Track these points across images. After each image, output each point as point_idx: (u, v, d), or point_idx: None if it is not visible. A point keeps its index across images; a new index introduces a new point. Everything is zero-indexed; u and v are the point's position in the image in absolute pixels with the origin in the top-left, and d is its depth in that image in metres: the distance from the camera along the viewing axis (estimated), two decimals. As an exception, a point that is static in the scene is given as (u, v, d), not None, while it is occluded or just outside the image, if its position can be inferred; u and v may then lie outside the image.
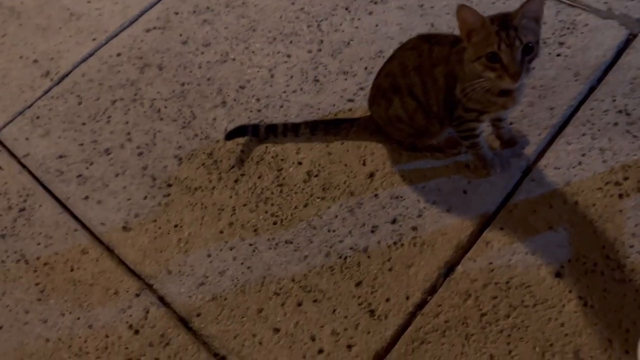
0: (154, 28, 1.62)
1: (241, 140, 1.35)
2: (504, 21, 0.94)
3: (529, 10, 0.94)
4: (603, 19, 1.37)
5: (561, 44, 1.36)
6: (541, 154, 1.21)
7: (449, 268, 1.12)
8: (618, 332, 1.00)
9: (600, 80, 1.29)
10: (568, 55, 1.33)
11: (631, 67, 1.28)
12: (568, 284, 1.06)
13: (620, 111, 1.23)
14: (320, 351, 1.08)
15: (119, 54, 1.58)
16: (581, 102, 1.26)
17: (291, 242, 1.20)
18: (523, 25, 0.93)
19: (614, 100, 1.24)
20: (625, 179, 1.14)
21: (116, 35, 1.62)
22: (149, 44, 1.59)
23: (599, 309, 1.03)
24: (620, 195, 1.13)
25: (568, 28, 1.38)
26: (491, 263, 1.11)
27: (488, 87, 1.00)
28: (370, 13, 1.52)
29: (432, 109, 1.12)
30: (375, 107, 1.21)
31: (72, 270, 1.24)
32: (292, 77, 1.45)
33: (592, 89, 1.28)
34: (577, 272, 1.07)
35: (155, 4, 1.67)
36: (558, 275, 1.08)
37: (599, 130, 1.21)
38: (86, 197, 1.33)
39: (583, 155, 1.19)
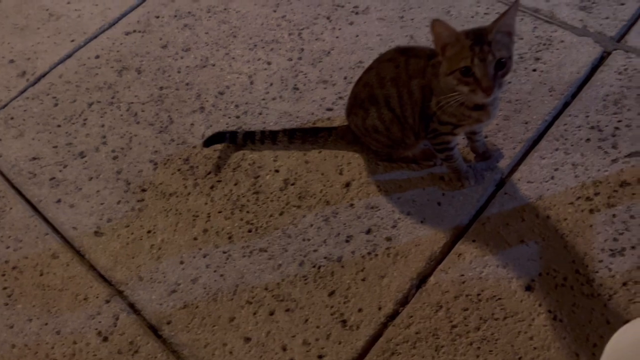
0: (134, 31, 1.61)
1: (218, 146, 1.34)
2: (478, 36, 0.95)
3: (503, 24, 0.95)
4: (578, 36, 1.40)
5: (537, 59, 1.38)
6: (515, 167, 1.23)
7: (422, 279, 1.13)
8: (585, 346, 1.01)
9: (574, 96, 1.31)
10: (544, 71, 1.35)
11: (604, 84, 1.31)
12: (538, 298, 1.07)
13: (592, 127, 1.25)
14: (291, 361, 1.07)
15: (97, 56, 1.56)
16: (555, 117, 1.28)
17: (265, 251, 1.19)
18: (497, 40, 0.94)
19: (587, 117, 1.26)
20: (596, 194, 1.16)
21: (95, 37, 1.61)
22: (128, 47, 1.58)
23: (568, 323, 1.04)
24: (591, 211, 1.14)
25: (544, 44, 1.40)
26: (463, 275, 1.12)
27: (462, 101, 1.01)
28: (351, 23, 1.53)
29: (408, 120, 1.12)
30: (352, 117, 1.21)
31: (41, 274, 1.22)
32: (271, 84, 1.45)
33: (566, 105, 1.30)
34: (547, 286, 1.08)
35: (136, 7, 1.66)
36: (528, 288, 1.09)
37: (571, 145, 1.23)
38: (58, 201, 1.31)
39: (556, 169, 1.21)
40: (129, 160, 1.37)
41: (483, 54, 0.93)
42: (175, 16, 1.63)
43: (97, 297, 1.18)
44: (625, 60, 1.33)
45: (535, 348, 1.03)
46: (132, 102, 1.47)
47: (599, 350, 1.00)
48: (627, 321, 1.02)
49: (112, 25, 1.64)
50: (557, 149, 1.24)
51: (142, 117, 1.43)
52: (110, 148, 1.39)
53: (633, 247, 1.09)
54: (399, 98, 1.10)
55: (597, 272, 1.08)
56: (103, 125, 1.43)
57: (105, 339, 1.13)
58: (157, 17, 1.63)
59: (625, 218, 1.12)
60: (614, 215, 1.13)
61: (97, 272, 1.22)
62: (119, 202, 1.30)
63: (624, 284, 1.06)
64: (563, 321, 1.04)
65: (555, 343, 1.02)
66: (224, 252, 1.20)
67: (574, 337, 1.02)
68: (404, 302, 1.11)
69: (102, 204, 1.31)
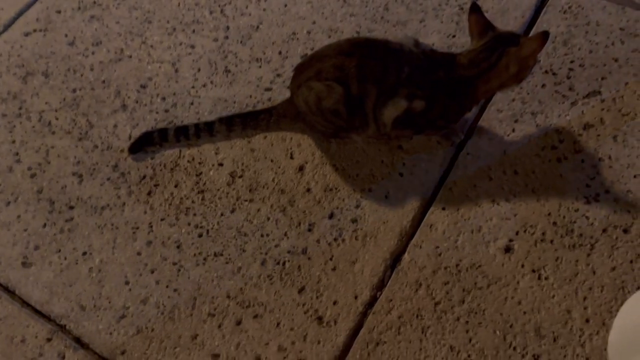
0: (34, 31, 1.42)
1: (150, 147, 1.20)
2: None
3: None
4: (516, -21, 1.33)
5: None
6: (473, 125, 1.15)
7: (395, 258, 1.04)
8: (576, 301, 0.96)
9: (522, 41, 1.24)
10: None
11: (551, 25, 1.25)
12: (519, 258, 1.01)
13: (546, 72, 1.19)
14: (268, 371, 0.96)
15: (-6, 64, 1.37)
16: (506, 67, 1.21)
17: (221, 254, 1.07)
18: None
19: (539, 61, 1.20)
20: (561, 141, 1.11)
21: (-12, 42, 1.40)
22: (29, 49, 1.38)
23: (554, 280, 0.98)
24: (559, 159, 1.09)
25: (483, -9, 1.33)
26: (438, 247, 1.04)
27: None
28: (277, -7, 1.40)
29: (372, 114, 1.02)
30: (303, 91, 1.06)
31: (-37, 323, 1.05)
32: (199, 69, 1.31)
33: (515, 52, 1.23)
34: (527, 244, 1.02)
35: (33, 4, 1.46)
36: (508, 250, 1.02)
37: (528, 93, 1.17)
38: (-28, 235, 1.14)
39: (515, 121, 1.14)
40: (49, 176, 1.20)
41: None
42: (79, 8, 1.44)
43: (36, 337, 1.03)
44: (568, -2, 1.28)
45: (525, 312, 0.96)
46: (43, 111, 1.29)
47: (590, 302, 0.95)
48: (613, 268, 0.97)
49: (7, 27, 1.43)
50: (513, 100, 1.17)
51: (57, 126, 1.26)
52: (26, 165, 1.22)
53: (607, 191, 1.04)
54: (376, 98, 0.99)
55: (575, 222, 1.02)
56: (14, 141, 1.25)
57: (52, 384, 0.98)
58: (59, 12, 1.44)
59: (595, 162, 1.07)
60: (582, 161, 1.08)
61: (31, 307, 1.06)
62: (44, 226, 1.14)
63: (604, 230, 1.01)
64: (549, 279, 0.99)
65: (545, 303, 0.96)
66: (174, 264, 1.07)
67: (563, 294, 0.97)
68: (381, 286, 1.02)
69: (25, 230, 1.14)
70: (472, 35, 1.01)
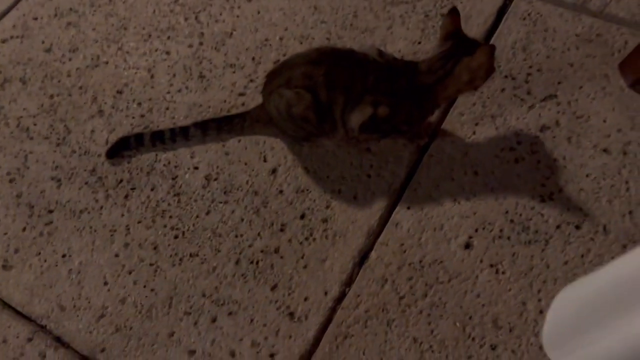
0: (11, 37, 1.44)
1: (126, 152, 1.24)
2: None
3: None
4: (479, -13, 1.39)
5: (443, 15, 1.36)
6: (437, 128, 1.21)
7: (363, 256, 1.10)
8: (530, 293, 1.03)
9: (483, 47, 1.30)
10: (451, 26, 1.33)
11: (511, 31, 1.31)
12: (478, 254, 1.07)
13: (506, 76, 1.25)
14: (242, 366, 1.01)
15: (-29, 70, 1.39)
16: (469, 72, 1.27)
17: (197, 255, 1.12)
18: None
19: (499, 66, 1.26)
20: (519, 143, 1.17)
21: (-35, 49, 1.43)
22: (7, 55, 1.41)
23: (510, 275, 1.05)
24: (516, 160, 1.15)
25: (447, -2, 1.39)
26: (403, 244, 1.10)
27: None
28: (250, 0, 1.44)
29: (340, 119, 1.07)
30: (275, 98, 1.11)
31: (-55, 325, 1.08)
32: (174, 75, 1.35)
33: (477, 58, 1.29)
34: (485, 240, 1.08)
35: (8, 11, 1.48)
36: (467, 246, 1.08)
37: (488, 97, 1.23)
38: (-48, 239, 1.17)
39: (476, 124, 1.20)
40: (27, 181, 1.23)
41: None
42: (56, 15, 1.47)
43: (17, 337, 1.07)
44: (528, 5, 1.34)
45: (483, 305, 1.03)
46: (20, 117, 1.32)
47: (544, 295, 1.02)
48: (565, 262, 1.04)
49: (-17, 33, 1.46)
50: (474, 104, 1.23)
51: (35, 131, 1.29)
52: (5, 171, 1.25)
53: (561, 190, 1.11)
54: (344, 105, 1.05)
55: (530, 219, 1.09)
56: (-9, 147, 1.28)
57: (34, 383, 1.02)
58: (35, 18, 1.47)
59: (550, 162, 1.14)
60: (538, 162, 1.14)
61: (12, 309, 1.10)
62: (24, 229, 1.17)
63: (558, 226, 1.08)
64: (506, 273, 1.05)
65: (502, 296, 1.03)
66: (151, 265, 1.11)
67: (519, 287, 1.03)
68: (349, 282, 1.07)
69: (5, 233, 1.17)
70: (439, 37, 1.06)
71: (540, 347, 0.97)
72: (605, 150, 1.14)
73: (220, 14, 1.43)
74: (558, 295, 0.81)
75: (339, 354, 1.01)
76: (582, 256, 1.05)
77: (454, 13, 1.04)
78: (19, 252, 1.15)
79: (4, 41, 1.44)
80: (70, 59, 1.39)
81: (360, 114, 1.04)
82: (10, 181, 1.23)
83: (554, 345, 0.79)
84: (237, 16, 1.42)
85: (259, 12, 1.42)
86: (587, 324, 0.71)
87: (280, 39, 1.37)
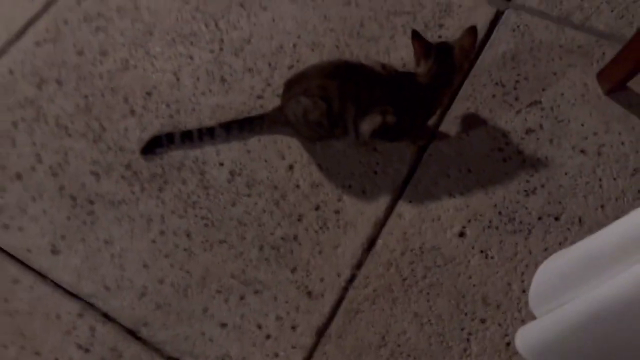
0: (45, 40, 1.57)
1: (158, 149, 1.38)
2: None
3: None
4: None
5: (441, 25, 1.51)
6: (435, 130, 1.37)
7: (371, 243, 1.26)
8: (515, 275, 1.20)
9: (477, 56, 1.46)
10: (448, 36, 1.48)
11: (502, 42, 1.46)
12: (470, 242, 1.24)
13: (496, 84, 1.41)
14: (268, 336, 1.18)
15: (11, 72, 1.52)
16: (464, 79, 1.43)
17: (225, 241, 1.27)
18: None
19: (491, 75, 1.42)
20: (507, 144, 1.33)
21: (4, 52, 1.55)
22: (42, 58, 1.54)
23: (498, 259, 1.22)
24: (504, 159, 1.31)
25: (445, 10, 1.53)
26: (405, 233, 1.26)
27: None
28: (265, 8, 1.58)
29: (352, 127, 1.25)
30: (293, 104, 1.25)
31: (6, 301, 1.23)
32: (198, 78, 1.49)
33: (471, 66, 1.44)
34: (477, 229, 1.25)
35: (41, 15, 1.61)
36: (461, 235, 1.25)
37: (480, 103, 1.39)
38: (6, 226, 1.31)
39: (470, 127, 1.36)
40: (69, 174, 1.37)
41: None
42: (85, 20, 1.60)
43: (69, 314, 1.22)
44: (517, 18, 1.49)
45: (474, 285, 1.20)
46: (59, 115, 1.45)
47: (526, 277, 1.19)
48: (545, 249, 1.21)
49: (19, 36, 1.58)
50: (468, 108, 1.39)
51: (73, 129, 1.43)
52: (47, 165, 1.39)
53: (542, 186, 1.27)
54: (355, 114, 1.21)
55: (516, 211, 1.26)
56: (34, 144, 1.41)
57: (87, 351, 1.18)
58: (66, 22, 1.59)
59: (534, 162, 1.30)
60: (523, 161, 1.31)
61: (63, 289, 1.25)
62: (69, 218, 1.32)
63: (539, 218, 1.24)
64: (494, 258, 1.22)
65: (490, 278, 1.20)
66: (185, 250, 1.27)
67: (505, 270, 1.20)
68: (359, 265, 1.24)
69: (51, 222, 1.32)
70: (417, 58, 1.22)
71: (523, 321, 1.15)
72: (582, 151, 1.31)
73: (238, 22, 1.56)
74: (541, 265, 1.00)
75: (351, 326, 1.18)
76: (560, 244, 1.22)
77: (415, 36, 1.20)
78: (65, 239, 1.30)
79: (38, 44, 1.56)
80: (101, 62, 1.52)
81: (371, 123, 1.20)
82: (53, 175, 1.37)
83: (538, 304, 0.99)
84: (254, 24, 1.55)
85: (273, 20, 1.56)
86: (563, 287, 0.90)
87: (294, 45, 1.51)
